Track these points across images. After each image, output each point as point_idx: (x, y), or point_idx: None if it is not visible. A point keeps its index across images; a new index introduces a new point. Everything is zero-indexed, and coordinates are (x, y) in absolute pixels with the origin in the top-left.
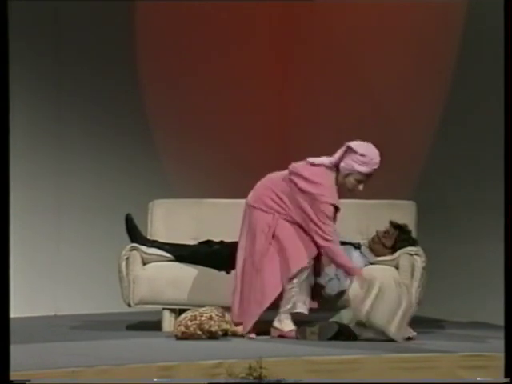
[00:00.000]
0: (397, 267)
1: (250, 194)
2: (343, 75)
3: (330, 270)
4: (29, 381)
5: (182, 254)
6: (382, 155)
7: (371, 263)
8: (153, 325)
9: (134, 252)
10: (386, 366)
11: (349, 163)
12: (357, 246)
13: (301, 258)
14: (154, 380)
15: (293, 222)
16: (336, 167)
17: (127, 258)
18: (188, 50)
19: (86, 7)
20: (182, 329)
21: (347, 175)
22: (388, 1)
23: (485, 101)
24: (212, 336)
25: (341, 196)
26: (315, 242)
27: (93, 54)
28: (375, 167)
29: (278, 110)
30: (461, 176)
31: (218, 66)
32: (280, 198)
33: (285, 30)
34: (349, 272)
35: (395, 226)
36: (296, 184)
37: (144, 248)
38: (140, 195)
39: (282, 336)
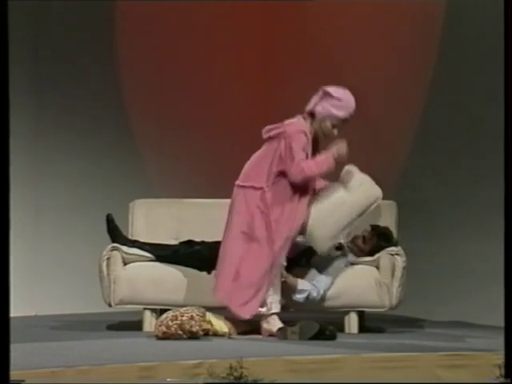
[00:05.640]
0: (377, 267)
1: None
2: (327, 77)
3: (304, 284)
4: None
5: (162, 254)
6: (362, 155)
7: (352, 263)
8: (133, 325)
9: (115, 252)
10: (365, 365)
11: (326, 107)
12: (338, 246)
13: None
14: (135, 380)
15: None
16: (310, 114)
17: (108, 258)
18: (170, 48)
19: (66, 7)
20: (163, 329)
21: (323, 119)
22: (372, 2)
23: (464, 101)
24: (193, 336)
25: None
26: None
27: (73, 52)
28: (351, 112)
29: (262, 110)
30: (441, 176)
31: (201, 65)
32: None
33: (271, 32)
34: (329, 163)
35: (378, 234)
36: (271, 137)
37: (125, 248)
38: (121, 195)
39: (272, 335)
